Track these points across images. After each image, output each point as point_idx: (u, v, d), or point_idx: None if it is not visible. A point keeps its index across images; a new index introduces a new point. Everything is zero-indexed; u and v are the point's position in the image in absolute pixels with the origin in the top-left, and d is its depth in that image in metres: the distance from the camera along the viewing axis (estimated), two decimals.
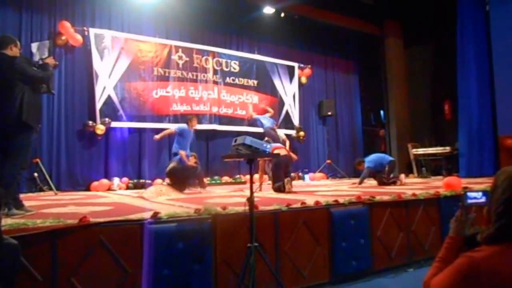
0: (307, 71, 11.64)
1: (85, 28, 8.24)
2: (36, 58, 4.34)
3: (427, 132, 11.28)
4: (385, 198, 4.52)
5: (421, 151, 10.77)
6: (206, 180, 8.73)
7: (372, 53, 12.28)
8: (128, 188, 8.00)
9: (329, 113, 11.64)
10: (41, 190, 7.16)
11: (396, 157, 11.21)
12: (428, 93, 11.70)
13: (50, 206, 4.33)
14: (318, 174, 10.90)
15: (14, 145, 3.68)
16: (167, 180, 6.73)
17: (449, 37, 10.03)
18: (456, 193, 5.01)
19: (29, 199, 5.12)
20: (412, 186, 6.60)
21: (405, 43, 11.98)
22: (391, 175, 7.70)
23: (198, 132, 9.52)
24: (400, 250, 4.40)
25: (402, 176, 7.79)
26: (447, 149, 10.11)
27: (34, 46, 4.67)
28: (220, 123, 9.86)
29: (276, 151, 5.57)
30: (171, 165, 6.74)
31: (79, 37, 8.07)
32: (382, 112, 12.41)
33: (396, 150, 11.23)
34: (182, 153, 6.86)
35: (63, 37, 7.93)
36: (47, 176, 7.19)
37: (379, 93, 12.11)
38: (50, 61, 4.13)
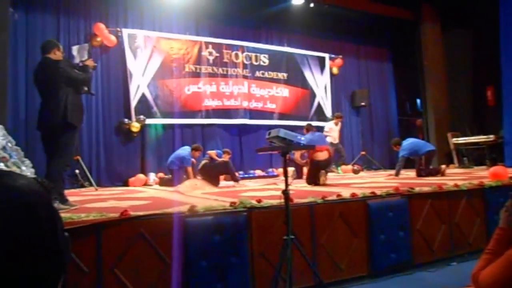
0: (338, 61, 11.45)
1: (118, 29, 8.45)
2: (77, 60, 4.52)
3: (468, 120, 10.81)
4: (425, 189, 4.38)
5: (461, 140, 10.35)
6: (238, 174, 8.79)
7: (407, 40, 11.86)
8: (158, 183, 8.13)
9: (363, 103, 11.40)
10: (82, 186, 7.42)
11: (435, 147, 10.89)
12: (469, 79, 11.18)
13: (92, 201, 4.47)
14: (349, 167, 10.65)
15: (60, 144, 3.86)
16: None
17: (491, 19, 9.52)
18: (503, 183, 4.79)
19: (71, 195, 5.30)
20: (454, 177, 6.37)
21: (443, 27, 11.46)
22: (430, 166, 7.44)
23: (230, 127, 9.63)
24: (442, 243, 4.25)
25: (443, 166, 7.50)
26: (491, 137, 9.65)
27: (74, 49, 4.87)
28: (251, 117, 9.87)
29: (318, 153, 5.99)
30: (202, 162, 6.91)
31: (113, 37, 8.29)
32: (418, 100, 12.04)
33: (434, 139, 10.85)
34: (211, 152, 7.09)
35: (98, 39, 8.17)
36: (88, 173, 7.44)
37: (415, 81, 11.72)
38: (90, 63, 4.30)
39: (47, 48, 4.04)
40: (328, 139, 8.92)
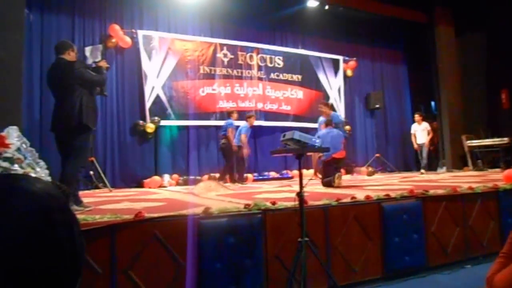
0: (352, 63, 11.41)
1: (133, 30, 8.53)
2: (89, 61, 4.53)
3: (482, 122, 10.69)
4: (439, 192, 4.35)
5: (476, 142, 10.26)
6: (252, 176, 8.85)
7: (421, 43, 11.78)
8: (178, 184, 8.21)
9: (377, 105, 11.34)
10: (96, 187, 7.49)
11: (449, 149, 10.79)
12: (483, 82, 11.07)
13: (106, 203, 4.51)
14: (363, 169, 10.60)
15: (75, 146, 3.88)
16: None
17: (505, 21, 9.44)
18: None
19: (86, 196, 5.37)
20: (468, 179, 6.30)
21: (457, 30, 11.38)
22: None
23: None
24: (456, 246, 4.22)
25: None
26: (505, 140, 9.55)
27: (87, 50, 4.88)
28: (266, 119, 9.88)
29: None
30: (222, 140, 7.54)
31: (128, 39, 8.37)
32: (432, 103, 11.93)
33: (449, 142, 10.77)
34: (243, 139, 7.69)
35: (113, 40, 8.26)
36: (102, 174, 7.51)
37: (429, 84, 11.63)
38: (103, 64, 4.31)
39: (62, 48, 4.05)
40: (418, 141, 9.53)
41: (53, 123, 4.00)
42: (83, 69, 4.04)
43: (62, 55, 4.01)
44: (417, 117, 9.91)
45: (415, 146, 9.76)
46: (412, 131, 9.84)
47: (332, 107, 7.71)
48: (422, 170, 9.40)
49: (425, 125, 9.73)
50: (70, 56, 4.05)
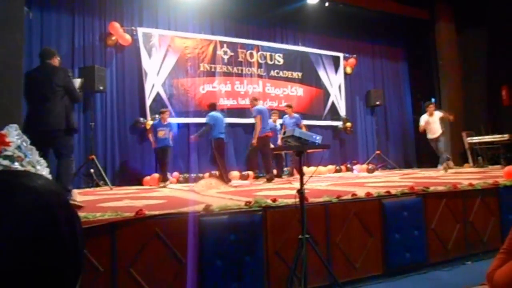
0: (352, 61, 11.39)
1: (133, 28, 8.52)
2: None
3: (483, 119, 10.69)
4: (440, 188, 4.35)
5: (476, 139, 10.25)
6: (253, 173, 8.85)
7: (422, 39, 11.77)
8: (178, 182, 8.21)
9: (377, 102, 11.33)
10: (97, 185, 7.48)
11: (450, 146, 10.77)
12: (484, 79, 11.06)
13: (107, 200, 4.51)
14: (363, 166, 10.59)
15: (66, 147, 3.92)
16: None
17: (505, 18, 9.43)
18: None
19: (86, 194, 5.39)
20: (469, 176, 6.30)
21: (458, 27, 11.36)
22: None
23: (245, 126, 9.66)
24: (456, 243, 4.23)
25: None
26: (505, 136, 9.54)
27: None
28: None
29: None
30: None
31: (128, 36, 8.36)
32: (433, 100, 11.92)
33: (449, 138, 10.76)
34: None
35: (113, 37, 8.25)
36: (102, 172, 7.49)
37: (430, 81, 11.62)
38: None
39: (50, 54, 4.13)
40: (428, 136, 8.78)
41: (36, 124, 3.88)
42: (70, 78, 4.13)
43: (50, 60, 4.07)
44: (431, 107, 8.85)
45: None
46: (422, 123, 8.85)
47: (212, 106, 7.74)
48: (450, 163, 8.54)
49: (438, 115, 8.79)
50: (56, 62, 4.12)
